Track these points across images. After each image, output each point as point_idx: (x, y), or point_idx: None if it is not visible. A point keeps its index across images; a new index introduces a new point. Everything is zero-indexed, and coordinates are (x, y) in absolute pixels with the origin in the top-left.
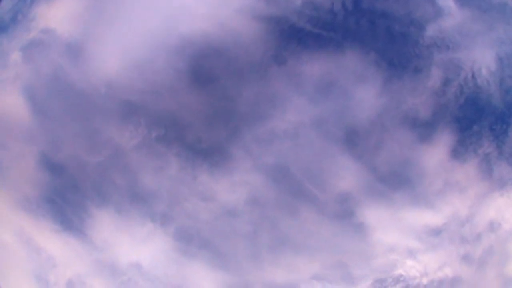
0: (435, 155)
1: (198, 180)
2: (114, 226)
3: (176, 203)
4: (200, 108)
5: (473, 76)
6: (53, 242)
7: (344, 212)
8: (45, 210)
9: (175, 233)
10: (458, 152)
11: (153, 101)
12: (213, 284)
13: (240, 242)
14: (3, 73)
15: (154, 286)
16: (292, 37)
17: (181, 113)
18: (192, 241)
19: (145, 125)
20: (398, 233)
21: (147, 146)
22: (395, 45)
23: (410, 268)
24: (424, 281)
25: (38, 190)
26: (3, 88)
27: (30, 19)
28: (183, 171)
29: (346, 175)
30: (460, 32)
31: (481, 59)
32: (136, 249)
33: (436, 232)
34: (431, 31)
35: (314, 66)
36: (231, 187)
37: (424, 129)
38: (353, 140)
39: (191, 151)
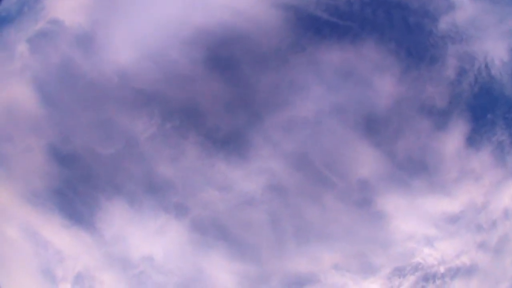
0: (451, 143)
1: (215, 169)
2: (126, 219)
3: (191, 194)
4: (218, 97)
5: (486, 66)
6: (61, 236)
7: (363, 200)
8: (54, 203)
9: (190, 224)
10: (473, 140)
11: (168, 91)
12: (231, 275)
13: (258, 232)
14: (9, 64)
15: (167, 280)
16: (310, 26)
17: (197, 102)
18: (208, 232)
19: (159, 116)
20: (416, 221)
21: (161, 137)
22: (411, 36)
23: (428, 256)
24: (442, 269)
25: (47, 183)
26: (10, 80)
27: (37, 11)
28: (199, 161)
29: (365, 162)
30: (472, 24)
31: (494, 50)
32: (149, 241)
33: (453, 219)
34: (444, 24)
35: (333, 55)
36: (249, 176)
37: (440, 117)
38: (372, 127)
39: (208, 140)
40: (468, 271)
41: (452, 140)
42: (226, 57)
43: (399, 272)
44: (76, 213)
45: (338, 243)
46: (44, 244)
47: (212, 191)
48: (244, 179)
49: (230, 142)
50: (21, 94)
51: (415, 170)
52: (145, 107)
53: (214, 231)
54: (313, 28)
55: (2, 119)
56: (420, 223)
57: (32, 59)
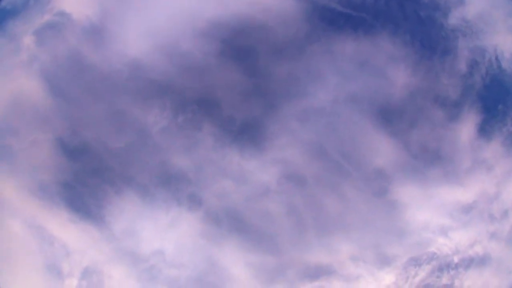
0: (463, 133)
1: (230, 160)
2: (137, 212)
3: (205, 185)
4: (233, 87)
5: (496, 59)
6: (68, 231)
7: (379, 190)
8: (61, 197)
9: (204, 216)
10: (484, 131)
11: (180, 84)
12: (246, 267)
13: (274, 223)
14: (16, 57)
15: (179, 273)
16: (324, 17)
17: (212, 93)
18: (222, 224)
19: (171, 109)
20: (430, 211)
21: (174, 129)
22: (423, 28)
23: (442, 245)
24: (456, 259)
25: (54, 176)
26: (17, 72)
27: (43, 3)
28: (213, 152)
29: (380, 152)
30: (482, 18)
31: (504, 44)
32: (160, 235)
33: (467, 209)
34: (454, 19)
35: (347, 45)
36: (265, 166)
37: (452, 108)
38: (387, 117)
39: (222, 131)
40: (481, 261)
41: (465, 130)
42: (241, 48)
43: (415, 261)
44: (84, 207)
45: (354, 233)
46: (50, 239)
47: (226, 182)
48: (260, 170)
49: (245, 133)
50: (28, 87)
51: (429, 160)
52: (157, 100)
53: (229, 222)
54: (327, 19)
55: (8, 111)
56: (434, 212)
57: (39, 52)
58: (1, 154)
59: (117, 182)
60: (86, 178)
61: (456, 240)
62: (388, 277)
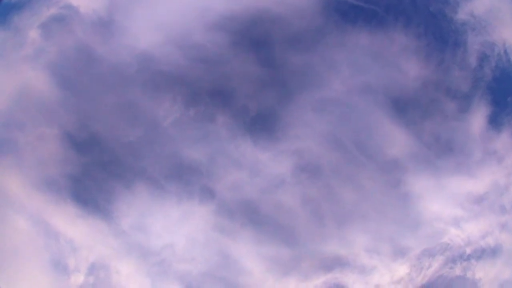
0: (474, 125)
1: (243, 152)
2: (146, 206)
3: (218, 178)
4: (246, 78)
5: (505, 52)
6: (74, 226)
7: (393, 181)
8: (68, 192)
9: (216, 209)
10: (494, 123)
11: (191, 76)
12: (259, 260)
13: (288, 214)
14: (21, 50)
15: (191, 268)
16: (337, 9)
17: (225, 84)
18: (235, 216)
19: (182, 101)
20: (442, 201)
21: (185, 122)
22: (434, 22)
23: (455, 236)
24: (468, 250)
25: (62, 171)
26: (22, 66)
27: None
28: (225, 143)
29: (394, 142)
30: (490, 13)
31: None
32: (171, 229)
33: (478, 200)
34: (462, 14)
35: (360, 38)
36: (279, 157)
37: (463, 100)
38: (400, 108)
39: (236, 122)
40: (492, 252)
41: (475, 122)
42: (255, 39)
43: (428, 253)
44: (92, 202)
45: (369, 225)
46: (56, 235)
47: (240, 174)
48: (274, 161)
49: (258, 124)
50: (34, 80)
51: (441, 151)
52: (168, 92)
53: (242, 215)
54: (340, 11)
55: (14, 105)
56: (446, 203)
57: (45, 45)
58: (7, 148)
59: (126, 176)
60: (94, 172)
61: (468, 231)
62: (402, 268)
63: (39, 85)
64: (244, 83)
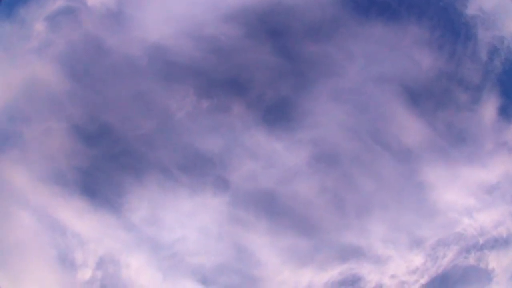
0: (485, 116)
1: (257, 142)
2: (158, 199)
3: (232, 169)
4: (261, 69)
5: None
6: (82, 220)
7: (408, 170)
8: (76, 186)
9: (230, 201)
10: (505, 114)
11: (205, 67)
12: (274, 252)
13: (304, 205)
14: (27, 43)
15: (204, 260)
16: (352, 0)
17: (239, 74)
18: (250, 208)
19: (196, 91)
20: (456, 191)
21: (198, 112)
22: (445, 15)
23: (468, 226)
24: (481, 240)
25: (70, 165)
26: (28, 58)
27: None
28: (240, 134)
29: (409, 132)
30: (499, 8)
31: None
32: (183, 222)
33: (490, 190)
34: (472, 9)
35: (374, 28)
36: (294, 147)
37: (475, 92)
38: (414, 98)
39: (250, 112)
40: (505, 242)
41: (487, 113)
42: (271, 28)
43: (443, 243)
44: (101, 195)
45: (385, 214)
46: (62, 229)
47: (255, 164)
48: (289, 151)
49: (273, 113)
50: (41, 73)
51: (454, 141)
52: (181, 83)
53: (257, 206)
54: (354, 2)
55: (19, 98)
56: (460, 193)
57: (51, 38)
58: (13, 142)
59: (138, 168)
60: (104, 165)
61: (481, 221)
62: (417, 258)
63: (47, 78)
64: (259, 73)
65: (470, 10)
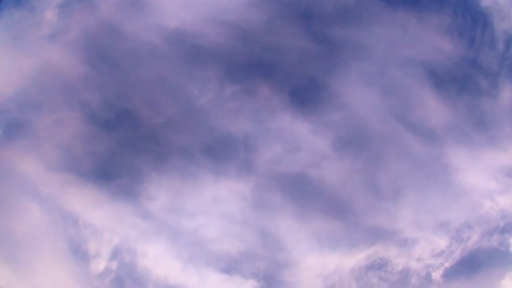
0: (504, 101)
1: (282, 125)
2: (179, 185)
3: (256, 154)
4: (286, 52)
5: None
6: (95, 209)
7: (433, 153)
8: (90, 174)
9: (254, 186)
10: None
11: (229, 50)
12: (300, 237)
13: (329, 189)
14: (39, 30)
15: (228, 247)
16: None
17: (263, 58)
18: (275, 193)
19: (219, 75)
20: (478, 174)
21: (222, 96)
22: (463, 3)
23: (490, 209)
24: (502, 223)
25: (85, 153)
26: (40, 46)
27: None
28: (264, 117)
29: (434, 115)
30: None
31: None
32: (205, 208)
33: (510, 173)
34: (486, 1)
35: (397, 14)
36: (319, 130)
37: (493, 77)
38: (438, 82)
39: (274, 95)
40: None
41: (505, 98)
42: (296, 12)
43: (467, 224)
44: (116, 183)
45: (411, 197)
46: (74, 219)
47: (280, 147)
48: (315, 134)
49: (298, 97)
50: (54, 60)
51: (475, 124)
52: (204, 69)
53: (282, 191)
54: None
55: (30, 86)
56: (481, 176)
57: (64, 24)
58: (25, 130)
59: (158, 155)
60: (120, 153)
61: (502, 204)
62: (442, 241)
63: (59, 65)
64: (284, 57)
65: (485, 2)
